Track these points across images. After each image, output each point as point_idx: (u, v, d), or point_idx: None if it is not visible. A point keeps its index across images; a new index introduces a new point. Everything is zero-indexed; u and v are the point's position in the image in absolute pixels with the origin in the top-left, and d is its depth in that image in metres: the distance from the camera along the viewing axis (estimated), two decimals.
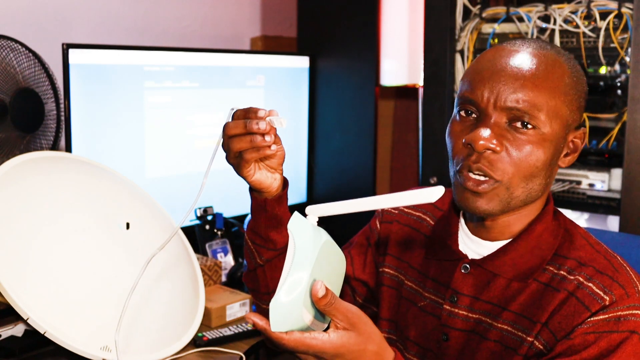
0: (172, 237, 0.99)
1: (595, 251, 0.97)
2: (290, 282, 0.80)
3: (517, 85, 0.91)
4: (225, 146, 0.94)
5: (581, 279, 0.93)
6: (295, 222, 0.84)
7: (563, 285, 0.93)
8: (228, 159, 0.95)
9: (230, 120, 0.93)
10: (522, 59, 0.94)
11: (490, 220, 0.99)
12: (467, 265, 1.01)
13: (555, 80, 0.93)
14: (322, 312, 0.83)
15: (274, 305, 0.80)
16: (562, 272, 0.95)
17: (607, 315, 0.89)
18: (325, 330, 0.84)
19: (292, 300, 0.80)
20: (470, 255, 1.02)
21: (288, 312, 0.80)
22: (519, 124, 0.91)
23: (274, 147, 0.91)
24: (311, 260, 0.81)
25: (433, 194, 0.80)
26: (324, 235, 0.84)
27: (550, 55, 0.95)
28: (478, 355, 0.98)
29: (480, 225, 1.01)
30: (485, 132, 0.91)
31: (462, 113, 0.96)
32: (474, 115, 0.95)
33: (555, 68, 0.94)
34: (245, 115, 0.92)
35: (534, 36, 1.83)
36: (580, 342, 0.89)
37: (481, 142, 0.91)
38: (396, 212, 1.17)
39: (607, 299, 0.90)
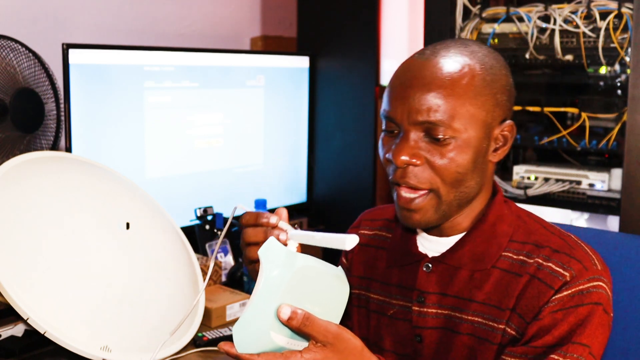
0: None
1: (550, 232, 1.00)
2: (254, 306, 0.81)
3: (425, 99, 0.93)
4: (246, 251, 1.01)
5: (540, 261, 0.96)
6: (266, 248, 0.84)
7: (524, 269, 0.96)
8: (245, 258, 1.02)
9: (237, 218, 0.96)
10: (429, 71, 0.95)
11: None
12: (429, 264, 1.03)
13: (463, 86, 0.93)
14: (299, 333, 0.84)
15: (236, 328, 0.82)
16: (521, 257, 0.98)
17: (570, 291, 0.92)
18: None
19: (255, 322, 0.81)
20: (430, 254, 1.04)
21: (252, 334, 0.82)
22: (435, 136, 0.93)
23: None
24: (279, 285, 0.81)
25: (346, 242, 0.84)
26: (300, 261, 0.83)
27: (458, 61, 0.95)
28: (453, 351, 0.99)
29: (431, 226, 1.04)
30: (403, 149, 0.94)
31: (386, 129, 0.99)
32: (395, 131, 0.97)
33: (463, 74, 0.94)
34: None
35: (534, 36, 1.83)
36: (550, 321, 0.92)
37: (401, 157, 0.94)
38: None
39: (568, 275, 0.93)
